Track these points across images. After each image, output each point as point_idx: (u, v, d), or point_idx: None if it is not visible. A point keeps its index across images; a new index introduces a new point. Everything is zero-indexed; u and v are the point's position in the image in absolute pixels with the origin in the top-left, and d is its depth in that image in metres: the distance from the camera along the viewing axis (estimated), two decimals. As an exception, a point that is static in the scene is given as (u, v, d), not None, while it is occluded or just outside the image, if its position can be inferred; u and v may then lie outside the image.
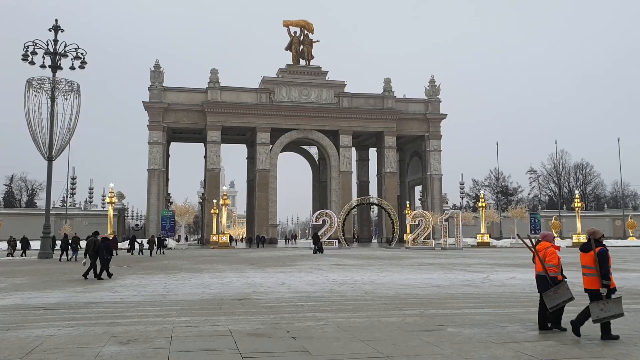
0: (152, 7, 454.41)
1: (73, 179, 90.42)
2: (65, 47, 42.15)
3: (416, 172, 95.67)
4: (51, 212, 48.95)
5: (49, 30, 42.67)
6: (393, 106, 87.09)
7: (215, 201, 76.67)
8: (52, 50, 41.68)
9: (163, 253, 49.81)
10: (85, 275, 21.60)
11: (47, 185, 44.14)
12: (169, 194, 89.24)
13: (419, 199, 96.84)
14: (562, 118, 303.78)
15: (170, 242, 66.50)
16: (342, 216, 68.80)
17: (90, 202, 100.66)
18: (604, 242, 9.85)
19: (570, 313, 10.52)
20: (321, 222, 63.28)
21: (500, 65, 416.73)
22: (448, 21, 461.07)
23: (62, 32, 42.81)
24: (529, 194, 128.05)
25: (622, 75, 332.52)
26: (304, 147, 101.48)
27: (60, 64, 42.02)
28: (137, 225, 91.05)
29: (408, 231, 70.79)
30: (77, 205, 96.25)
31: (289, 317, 11.87)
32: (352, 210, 77.33)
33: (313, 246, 51.76)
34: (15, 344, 9.12)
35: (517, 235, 13.30)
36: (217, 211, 75.21)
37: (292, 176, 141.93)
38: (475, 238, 74.57)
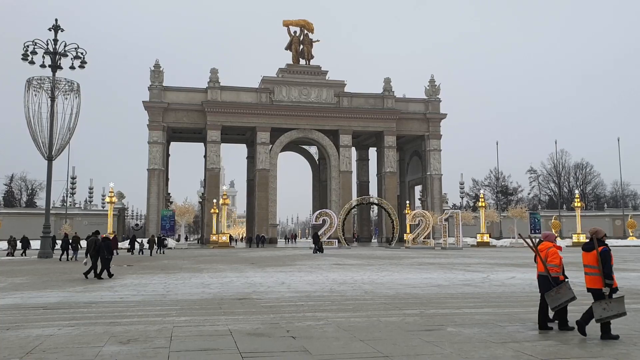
0: (152, 7, 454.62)
1: (73, 178, 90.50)
2: (65, 46, 42.17)
3: (416, 172, 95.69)
4: (51, 211, 48.97)
5: (49, 29, 42.68)
6: (393, 106, 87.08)
7: (215, 201, 76.68)
8: (52, 50, 41.68)
9: (163, 253, 49.84)
10: (86, 274, 21.68)
11: (47, 184, 44.17)
12: (169, 193, 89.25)
13: (419, 199, 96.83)
14: (562, 118, 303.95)
15: (170, 242, 66.50)
16: (342, 216, 68.81)
17: (90, 201, 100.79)
18: (606, 242, 9.87)
19: (572, 313, 10.53)
20: (321, 222, 63.30)
21: (500, 65, 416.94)
22: (448, 21, 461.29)
23: (62, 31, 42.82)
24: (528, 194, 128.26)
25: (622, 75, 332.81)
26: (303, 146, 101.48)
27: (60, 63, 42.02)
28: (137, 225, 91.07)
29: (408, 231, 70.86)
30: (77, 205, 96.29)
31: (289, 317, 11.88)
32: (352, 210, 77.32)
33: (313, 246, 51.79)
34: (15, 343, 9.13)
35: (519, 234, 13.31)
36: (217, 211, 75.22)
37: (292, 176, 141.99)
38: (475, 238, 74.58)
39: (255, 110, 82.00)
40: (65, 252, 37.67)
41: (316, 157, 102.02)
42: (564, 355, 8.31)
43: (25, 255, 44.86)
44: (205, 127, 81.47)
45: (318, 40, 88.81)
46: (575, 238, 72.15)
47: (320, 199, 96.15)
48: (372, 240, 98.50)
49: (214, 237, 72.92)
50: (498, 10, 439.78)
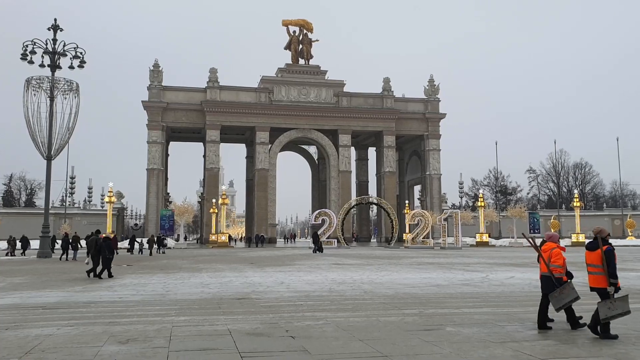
0: (152, 7, 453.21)
1: (72, 178, 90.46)
2: (64, 46, 42.11)
3: (415, 172, 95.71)
4: (50, 211, 48.92)
5: (48, 29, 42.62)
6: (392, 106, 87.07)
7: (214, 200, 76.63)
8: (51, 50, 41.64)
9: (164, 252, 49.83)
10: (89, 273, 21.81)
11: (46, 184, 44.14)
12: (168, 193, 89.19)
13: (418, 199, 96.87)
14: (562, 118, 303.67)
15: (170, 242, 66.49)
16: (341, 215, 68.80)
17: (90, 201, 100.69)
18: (610, 241, 9.88)
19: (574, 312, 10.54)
20: (320, 222, 63.30)
21: (501, 65, 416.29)
22: (448, 21, 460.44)
23: (61, 31, 42.76)
24: (528, 194, 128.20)
25: (622, 76, 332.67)
26: (303, 146, 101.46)
27: (59, 63, 41.98)
28: (136, 224, 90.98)
29: (407, 230, 70.86)
30: (76, 205, 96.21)
31: (288, 317, 11.88)
32: (352, 210, 77.32)
33: (312, 245, 51.81)
34: (14, 343, 9.13)
35: (522, 234, 13.38)
36: (216, 210, 75.18)
37: (292, 176, 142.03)
38: (474, 237, 74.55)
39: (254, 110, 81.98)
40: (65, 252, 37.65)
41: (315, 156, 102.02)
42: (563, 355, 8.32)
43: (25, 255, 44.85)
44: (204, 127, 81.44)
45: (317, 40, 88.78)
46: (574, 238, 72.17)
47: (320, 198, 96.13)
48: (372, 240, 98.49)
49: (213, 237, 72.89)
50: (498, 11, 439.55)
